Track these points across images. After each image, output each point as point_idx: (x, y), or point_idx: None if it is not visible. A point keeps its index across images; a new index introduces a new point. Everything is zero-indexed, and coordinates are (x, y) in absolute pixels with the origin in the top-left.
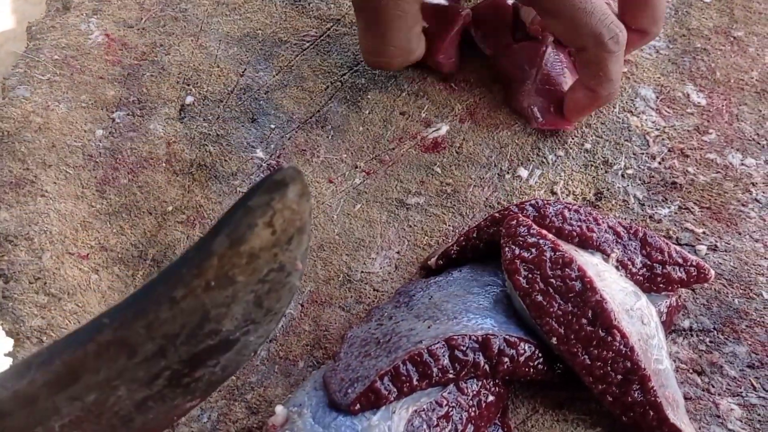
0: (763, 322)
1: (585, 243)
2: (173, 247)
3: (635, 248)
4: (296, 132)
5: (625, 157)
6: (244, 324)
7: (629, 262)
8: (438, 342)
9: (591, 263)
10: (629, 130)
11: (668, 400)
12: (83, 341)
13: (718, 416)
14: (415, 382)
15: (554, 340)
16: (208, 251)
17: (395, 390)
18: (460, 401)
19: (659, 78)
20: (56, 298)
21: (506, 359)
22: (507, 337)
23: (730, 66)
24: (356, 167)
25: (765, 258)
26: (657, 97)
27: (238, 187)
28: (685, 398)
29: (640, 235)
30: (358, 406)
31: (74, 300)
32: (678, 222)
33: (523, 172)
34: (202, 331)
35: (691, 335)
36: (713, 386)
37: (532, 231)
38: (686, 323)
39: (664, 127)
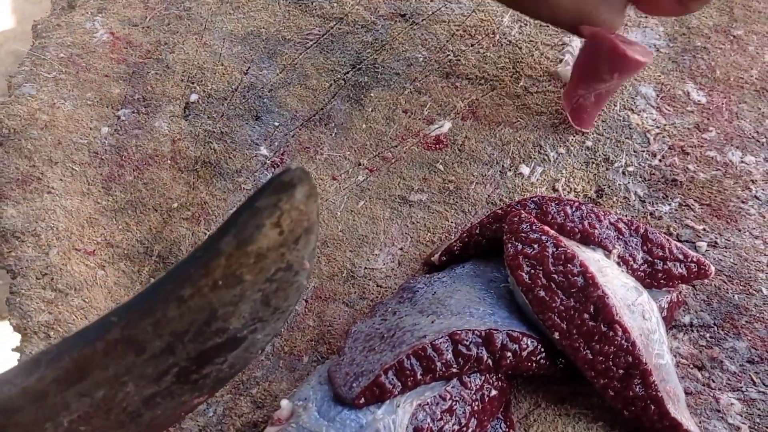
0: (762, 317)
1: (587, 239)
2: (178, 243)
3: (636, 244)
4: (300, 129)
5: (626, 155)
6: (251, 322)
7: (630, 258)
8: (442, 337)
9: (593, 259)
10: (630, 128)
11: (669, 395)
12: (92, 339)
13: (719, 411)
14: (419, 377)
15: (556, 335)
16: (215, 251)
17: (399, 384)
18: (464, 395)
19: (660, 76)
20: (63, 293)
21: (509, 354)
22: (510, 332)
23: (729, 64)
24: (359, 164)
25: (764, 254)
26: (657, 95)
27: (242, 184)
28: (686, 393)
29: (642, 231)
30: (362, 400)
31: (81, 295)
32: (678, 219)
33: (525, 170)
34: (210, 329)
35: (692, 331)
36: (713, 381)
37: (534, 227)
38: (687, 319)
39: (665, 124)
